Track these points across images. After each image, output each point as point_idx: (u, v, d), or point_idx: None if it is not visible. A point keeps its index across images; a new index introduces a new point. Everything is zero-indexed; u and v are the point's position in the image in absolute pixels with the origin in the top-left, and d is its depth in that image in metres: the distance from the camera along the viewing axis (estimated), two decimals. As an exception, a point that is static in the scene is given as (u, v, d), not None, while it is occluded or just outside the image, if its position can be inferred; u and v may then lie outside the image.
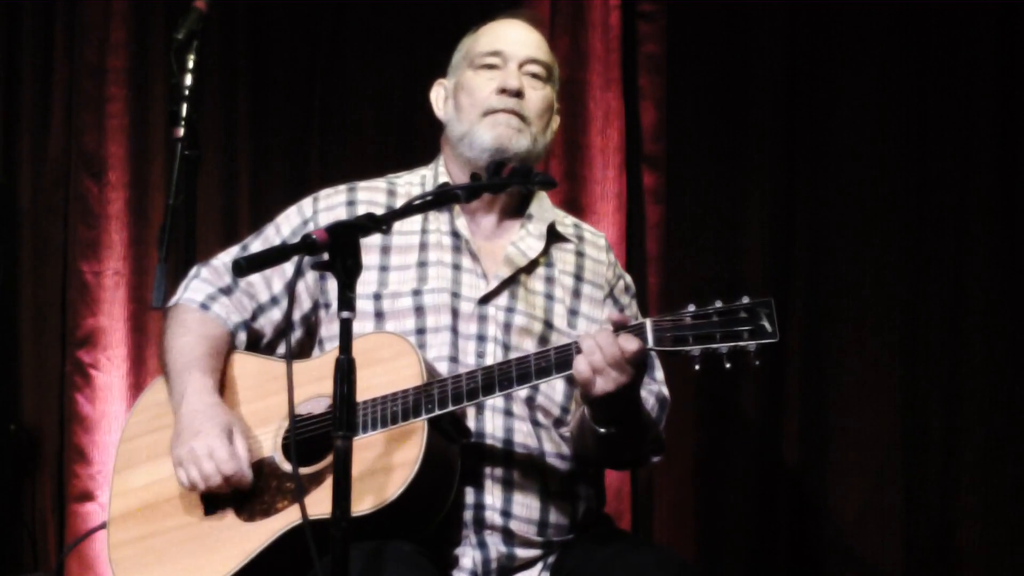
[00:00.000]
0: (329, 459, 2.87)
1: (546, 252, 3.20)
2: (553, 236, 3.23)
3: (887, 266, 4.41)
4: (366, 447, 2.86)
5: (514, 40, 3.21)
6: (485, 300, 3.10)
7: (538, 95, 3.19)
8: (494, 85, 3.16)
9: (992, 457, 4.31)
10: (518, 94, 3.15)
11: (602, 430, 2.93)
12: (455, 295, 3.09)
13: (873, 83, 4.44)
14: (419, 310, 3.07)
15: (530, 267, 3.17)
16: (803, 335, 4.43)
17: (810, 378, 4.44)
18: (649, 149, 4.59)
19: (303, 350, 3.20)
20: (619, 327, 2.82)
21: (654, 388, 3.17)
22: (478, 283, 3.12)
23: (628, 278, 3.34)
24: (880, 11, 4.42)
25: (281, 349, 3.22)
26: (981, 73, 4.37)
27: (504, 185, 2.98)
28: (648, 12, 4.60)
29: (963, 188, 4.37)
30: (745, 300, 2.79)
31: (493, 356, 3.03)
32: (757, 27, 4.52)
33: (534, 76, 3.19)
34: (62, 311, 4.73)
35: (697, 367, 2.78)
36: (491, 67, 3.18)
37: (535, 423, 3.07)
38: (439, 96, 3.30)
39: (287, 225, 3.23)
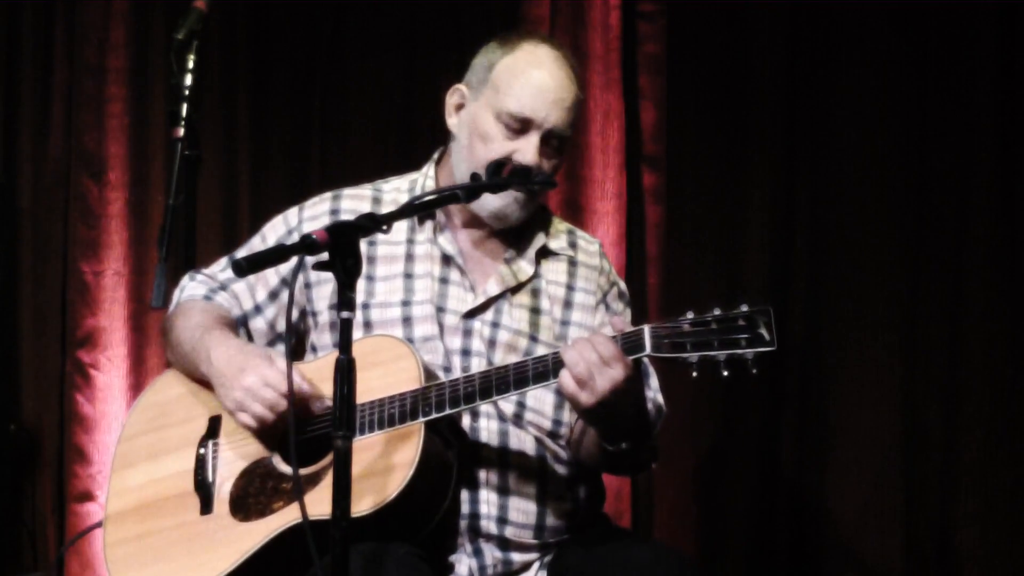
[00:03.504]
0: (327, 460, 2.87)
1: (536, 265, 3.17)
2: (544, 254, 3.19)
3: (887, 266, 4.41)
4: (363, 448, 2.86)
5: (548, 103, 3.03)
6: (471, 315, 3.08)
7: (550, 165, 3.07)
8: (511, 148, 3.03)
9: (992, 457, 4.30)
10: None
11: (611, 448, 2.92)
12: (440, 309, 3.07)
13: (873, 83, 4.44)
14: (407, 321, 3.06)
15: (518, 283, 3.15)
16: (803, 335, 4.43)
17: (810, 378, 4.44)
18: (649, 149, 4.59)
19: (295, 355, 3.18)
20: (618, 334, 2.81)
21: (649, 395, 3.14)
22: (465, 296, 3.10)
23: (622, 285, 3.31)
24: (880, 11, 4.42)
25: None
26: (981, 73, 4.37)
27: (504, 185, 2.98)
28: (648, 12, 4.60)
29: (963, 188, 4.37)
30: (744, 308, 2.76)
31: (479, 370, 2.98)
32: (757, 27, 4.52)
33: (554, 148, 3.08)
34: (62, 311, 4.73)
35: (695, 374, 2.77)
36: (515, 129, 3.05)
37: (528, 431, 3.06)
38: (452, 103, 3.17)
39: (272, 234, 3.22)
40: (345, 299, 2.56)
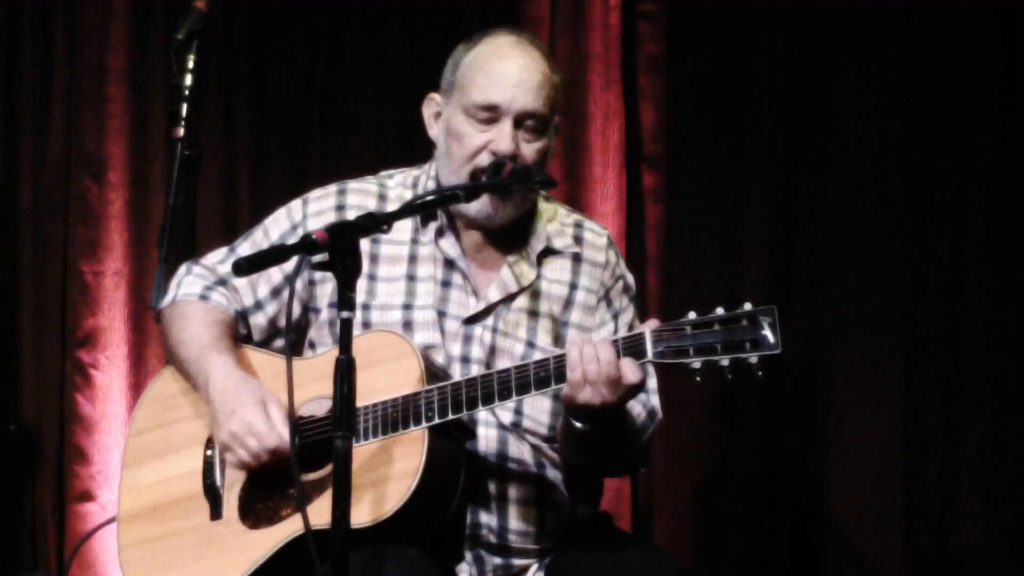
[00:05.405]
0: (331, 465, 2.85)
1: (538, 267, 3.11)
2: (546, 254, 3.12)
3: (887, 266, 4.41)
4: (367, 454, 2.85)
5: (511, 86, 2.98)
6: (471, 320, 3.04)
7: (532, 149, 3.00)
8: (485, 139, 2.98)
9: (992, 457, 4.30)
10: (512, 157, 2.97)
11: (578, 425, 2.86)
12: (441, 314, 3.03)
13: (873, 83, 4.44)
14: (407, 325, 3.02)
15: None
16: (803, 335, 4.43)
17: (810, 378, 4.44)
18: (649, 149, 4.59)
19: (294, 350, 3.15)
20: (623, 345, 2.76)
21: (643, 397, 3.05)
22: (467, 301, 3.05)
23: (629, 278, 3.22)
24: (880, 11, 4.42)
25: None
26: (981, 73, 4.37)
27: (504, 185, 2.95)
28: (648, 12, 4.60)
29: (963, 188, 4.37)
30: (747, 307, 2.69)
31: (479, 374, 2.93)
32: (757, 27, 4.51)
33: (532, 130, 3.00)
34: (62, 311, 4.73)
35: (699, 379, 2.71)
36: (485, 120, 2.99)
37: (525, 440, 3.04)
38: (430, 112, 3.13)
39: (276, 229, 3.16)
40: (345, 299, 2.55)
